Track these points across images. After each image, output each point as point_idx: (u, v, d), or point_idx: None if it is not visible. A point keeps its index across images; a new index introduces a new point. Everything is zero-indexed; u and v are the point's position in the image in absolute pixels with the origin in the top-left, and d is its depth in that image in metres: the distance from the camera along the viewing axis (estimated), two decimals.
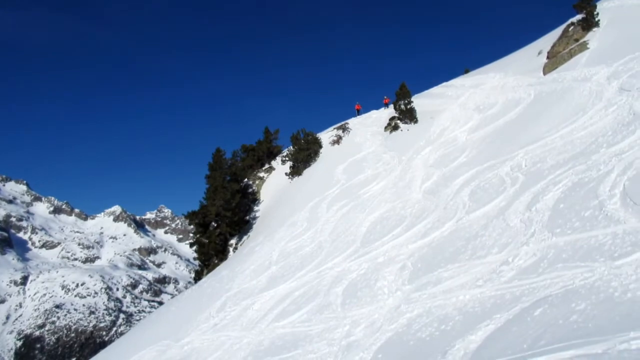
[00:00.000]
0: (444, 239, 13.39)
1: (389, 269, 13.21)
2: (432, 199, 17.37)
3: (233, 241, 31.34)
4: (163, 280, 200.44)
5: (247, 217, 33.02)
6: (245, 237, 30.30)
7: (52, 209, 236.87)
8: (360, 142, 32.85)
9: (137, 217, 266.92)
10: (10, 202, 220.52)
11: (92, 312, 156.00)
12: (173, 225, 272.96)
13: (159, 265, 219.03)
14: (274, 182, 35.90)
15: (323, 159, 34.31)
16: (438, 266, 11.74)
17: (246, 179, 37.88)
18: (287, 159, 37.53)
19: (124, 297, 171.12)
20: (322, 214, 23.06)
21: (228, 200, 30.58)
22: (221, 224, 31.25)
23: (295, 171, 34.36)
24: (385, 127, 32.92)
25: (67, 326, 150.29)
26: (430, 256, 12.76)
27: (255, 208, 34.08)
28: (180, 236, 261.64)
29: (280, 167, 37.94)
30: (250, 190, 36.07)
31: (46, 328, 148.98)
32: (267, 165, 39.98)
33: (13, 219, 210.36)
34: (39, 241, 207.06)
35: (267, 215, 30.65)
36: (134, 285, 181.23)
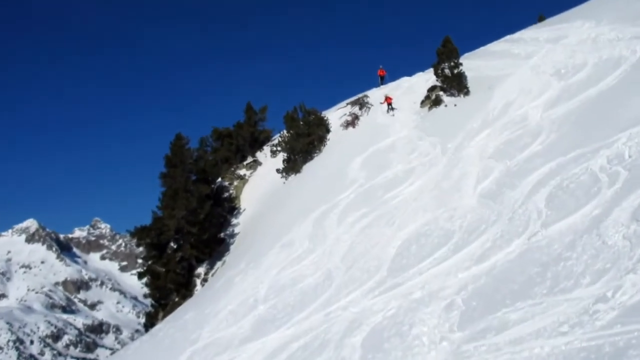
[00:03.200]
0: (510, 265, 13.32)
1: (430, 309, 13.16)
2: (492, 205, 17.30)
3: (201, 270, 31.39)
4: (99, 328, 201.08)
5: (222, 235, 33.05)
6: (219, 264, 30.30)
7: None
8: (386, 123, 32.78)
9: (62, 236, 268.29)
10: None
11: None
12: (113, 248, 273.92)
13: (92, 307, 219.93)
14: (261, 183, 35.88)
15: (332, 149, 34.27)
16: (502, 304, 11.68)
17: (220, 179, 37.94)
18: (279, 149, 37.56)
19: (42, 353, 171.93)
20: (331, 228, 23.04)
21: (193, 209, 30.66)
22: (184, 244, 31.34)
23: (292, 167, 34.40)
24: (422, 102, 32.85)
25: None
26: (490, 289, 12.70)
27: (234, 221, 34.11)
28: (124, 263, 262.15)
29: (270, 160, 37.92)
30: (227, 194, 36.14)
31: None
32: (250, 159, 40.04)
33: None
34: None
35: (251, 231, 30.64)
36: (57, 336, 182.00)
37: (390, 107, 34.17)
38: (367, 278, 17.11)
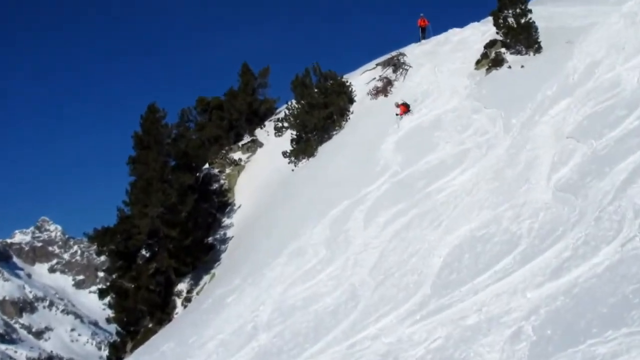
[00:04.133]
0: (597, 281, 13.21)
1: (490, 339, 13.13)
2: (572, 201, 17.18)
3: (183, 286, 31.51)
4: None
5: (210, 239, 33.16)
6: (206, 278, 30.37)
7: None
8: (429, 90, 32.67)
9: None
10: None
11: None
12: (66, 257, 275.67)
13: (39, 335, 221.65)
14: (262, 171, 35.90)
15: (356, 125, 34.20)
16: (587, 333, 11.61)
17: (207, 165, 38.02)
18: (285, 124, 37.55)
19: None
20: (356, 231, 23.05)
21: (172, 205, 30.73)
22: (160, 252, 31.45)
23: (303, 149, 34.37)
24: (478, 62, 32.66)
25: None
26: (570, 314, 12.62)
27: (226, 221, 34.21)
28: (80, 277, 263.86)
29: (273, 140, 37.93)
30: (216, 186, 36.24)
31: None
32: (247, 138, 40.12)
33: None
34: None
35: (249, 234, 30.66)
36: None
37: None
38: (405, 298, 17.09)
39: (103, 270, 34.18)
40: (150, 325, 30.46)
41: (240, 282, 24.55)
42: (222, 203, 35.39)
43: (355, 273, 20.13)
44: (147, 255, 32.14)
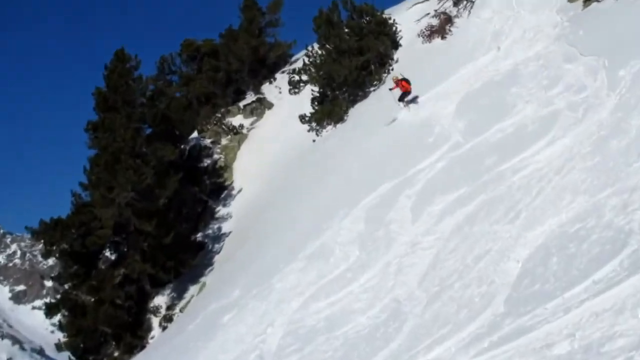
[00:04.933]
0: None
1: None
2: None
3: (161, 300, 31.68)
4: None
5: (200, 236, 33.31)
6: (193, 290, 30.51)
7: None
8: (503, 30, 32.53)
9: None
10: None
11: None
12: (0, 260, 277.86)
13: None
14: (271, 142, 36.00)
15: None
16: None
17: (196, 133, 38.09)
18: (304, 78, 37.49)
19: None
20: (402, 225, 23.12)
21: (147, 188, 30.75)
22: (130, 252, 31.57)
23: (328, 111, 34.33)
24: None
25: None
26: None
27: (222, 211, 34.34)
28: (20, 288, 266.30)
29: (287, 99, 38.00)
30: (208, 162, 36.32)
31: None
32: (251, 97, 40.13)
33: None
34: None
35: (253, 230, 30.75)
36: None
37: (404, 99, 31.85)
38: (469, 317, 17.01)
39: (52, 279, 34.40)
40: (116, 354, 30.63)
41: (241, 295, 24.62)
42: (216, 186, 35.52)
43: (400, 283, 20.10)
44: (113, 257, 32.29)
